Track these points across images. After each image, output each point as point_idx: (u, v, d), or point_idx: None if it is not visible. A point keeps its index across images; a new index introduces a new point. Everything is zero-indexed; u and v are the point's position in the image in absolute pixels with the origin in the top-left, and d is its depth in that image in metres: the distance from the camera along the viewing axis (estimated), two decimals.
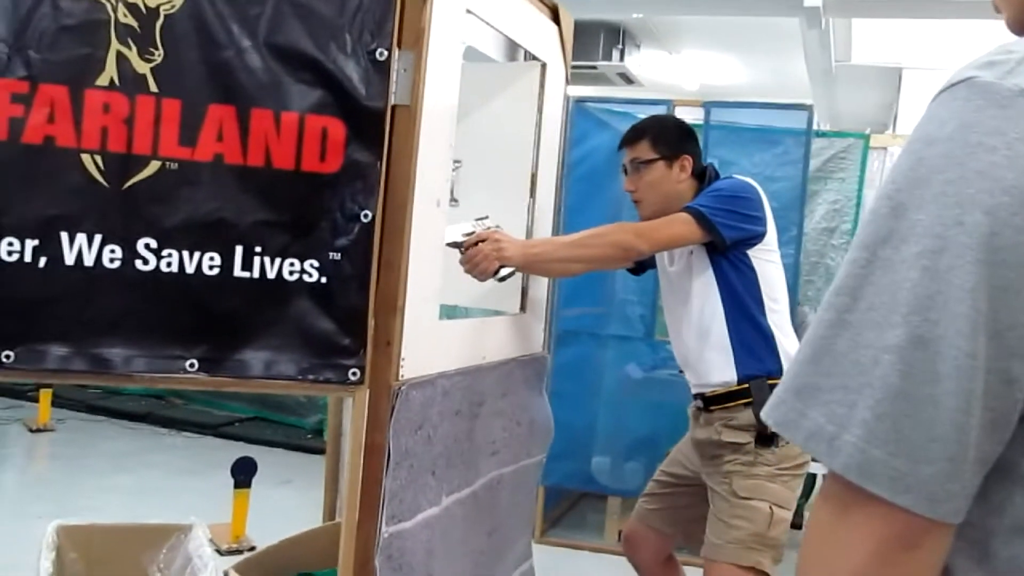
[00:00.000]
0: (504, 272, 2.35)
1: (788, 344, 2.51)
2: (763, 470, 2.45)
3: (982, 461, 0.69)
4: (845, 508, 0.71)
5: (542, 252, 2.42)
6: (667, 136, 2.65)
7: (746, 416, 2.45)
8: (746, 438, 2.46)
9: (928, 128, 0.71)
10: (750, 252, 2.51)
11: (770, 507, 2.43)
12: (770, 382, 2.45)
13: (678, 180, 2.62)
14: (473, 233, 2.33)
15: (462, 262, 2.32)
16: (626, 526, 2.88)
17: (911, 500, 0.68)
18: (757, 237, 2.51)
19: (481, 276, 2.33)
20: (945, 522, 0.69)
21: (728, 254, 2.50)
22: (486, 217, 2.40)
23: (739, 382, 2.48)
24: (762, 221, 2.52)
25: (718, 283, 2.52)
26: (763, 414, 0.77)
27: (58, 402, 6.24)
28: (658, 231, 2.47)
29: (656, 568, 2.80)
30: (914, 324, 0.67)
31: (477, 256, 2.30)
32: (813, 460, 4.52)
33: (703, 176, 2.64)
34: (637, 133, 2.66)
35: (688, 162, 2.63)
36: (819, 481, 5.05)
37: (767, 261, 2.54)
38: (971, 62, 0.71)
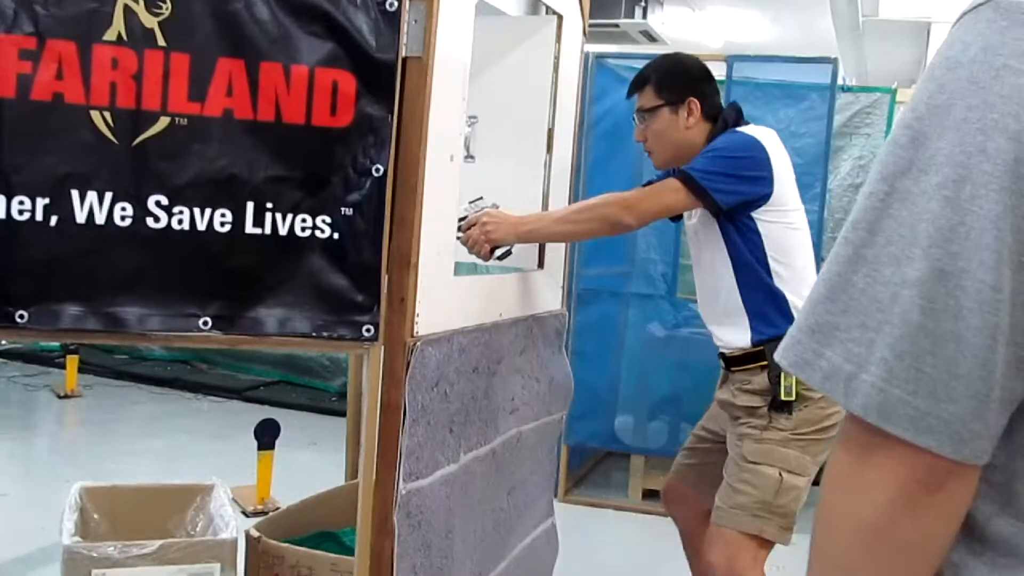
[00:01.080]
0: (500, 251, 2.37)
1: (797, 302, 2.38)
2: (776, 435, 2.35)
3: (1008, 400, 0.67)
4: (865, 451, 0.69)
5: (534, 229, 2.36)
6: (671, 79, 2.49)
7: (761, 380, 2.36)
8: (759, 402, 2.36)
9: (950, 52, 0.68)
10: (755, 214, 2.36)
11: (780, 473, 2.33)
12: None
13: (686, 126, 2.46)
14: (466, 218, 2.34)
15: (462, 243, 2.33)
16: (665, 480, 2.82)
17: (934, 440, 0.65)
18: (760, 199, 2.35)
19: (481, 258, 2.37)
20: (970, 463, 0.67)
21: (732, 217, 2.37)
22: (479, 199, 2.38)
23: (753, 345, 2.39)
24: (765, 181, 2.34)
25: (726, 244, 2.40)
26: (777, 355, 0.75)
27: (85, 368, 6.30)
28: (645, 202, 2.36)
29: (694, 524, 2.69)
30: (935, 257, 0.64)
31: (469, 241, 2.34)
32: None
33: (718, 118, 2.47)
34: (641, 79, 2.52)
35: (696, 105, 2.45)
36: None
37: (773, 223, 2.37)
38: None
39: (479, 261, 2.42)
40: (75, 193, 1.67)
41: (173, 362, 6.80)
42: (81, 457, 4.92)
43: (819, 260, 4.17)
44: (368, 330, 1.80)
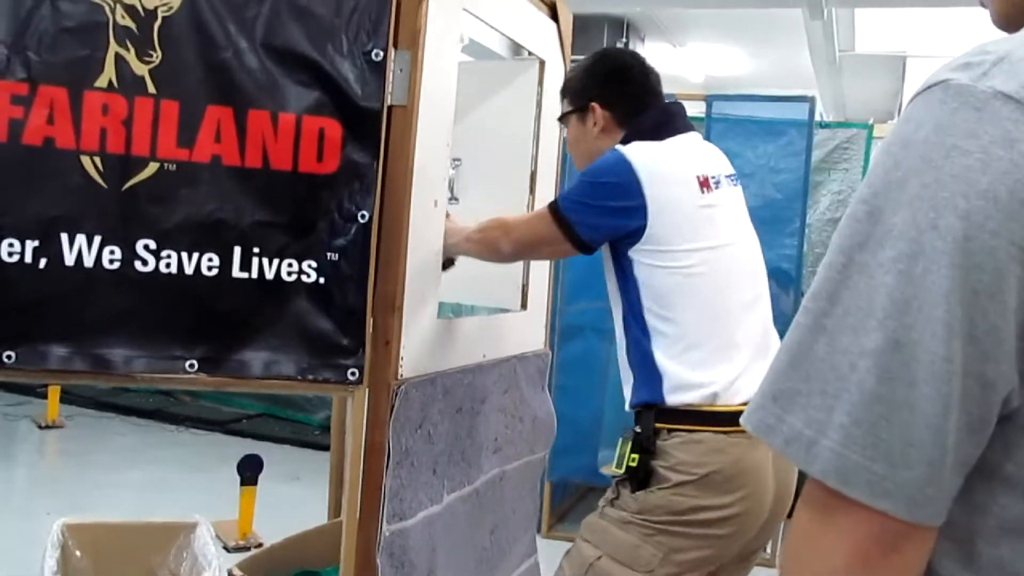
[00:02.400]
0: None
1: (674, 369, 1.96)
2: (616, 513, 1.99)
3: (962, 464, 0.69)
4: (825, 512, 0.71)
5: (449, 245, 2.09)
6: (573, 82, 2.21)
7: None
8: (614, 470, 2.01)
9: (905, 130, 0.71)
10: (631, 253, 1.98)
11: (599, 556, 1.98)
12: (660, 408, 1.96)
13: (594, 135, 2.13)
14: None
15: None
16: None
17: (890, 504, 0.68)
18: (631, 235, 1.96)
19: None
20: (926, 525, 0.70)
21: (616, 254, 2.03)
22: (454, 200, 2.32)
23: (631, 407, 2.05)
24: (634, 212, 1.94)
25: (613, 284, 2.08)
26: (742, 419, 0.77)
27: (67, 398, 6.27)
28: (519, 230, 2.07)
29: None
30: (890, 328, 0.67)
31: None
32: None
33: (635, 117, 2.10)
34: (562, 86, 2.28)
35: (598, 110, 2.12)
36: None
37: (652, 266, 1.96)
38: (947, 63, 0.71)
39: (463, 300, 2.43)
40: (64, 236, 1.69)
41: (155, 393, 6.78)
42: (62, 489, 4.90)
43: (798, 295, 4.23)
44: (353, 373, 1.82)
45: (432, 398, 1.98)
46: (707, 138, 4.13)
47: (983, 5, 0.87)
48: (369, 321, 1.84)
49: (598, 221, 1.97)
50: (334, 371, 1.82)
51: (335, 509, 2.90)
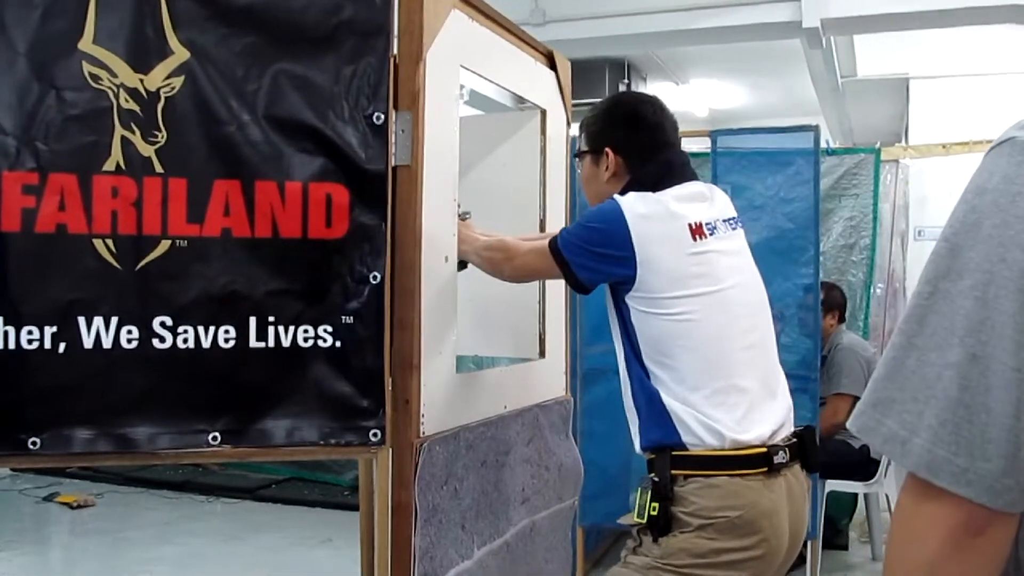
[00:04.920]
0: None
1: (679, 408, 1.99)
2: (639, 560, 2.01)
3: None
4: (919, 500, 0.84)
5: (462, 251, 2.11)
6: (591, 125, 2.24)
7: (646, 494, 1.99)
8: (635, 520, 2.01)
9: (979, 180, 0.86)
10: (628, 299, 2.03)
11: None
12: (675, 453, 1.98)
13: (605, 180, 2.18)
14: None
15: None
16: None
17: (973, 492, 0.80)
18: (624, 282, 2.01)
19: None
20: (1006, 512, 0.81)
21: (616, 298, 2.08)
22: (467, 213, 2.34)
23: (642, 450, 2.08)
24: (623, 262, 1.99)
25: (614, 326, 2.12)
26: (848, 424, 0.91)
27: (96, 476, 6.29)
28: (523, 258, 2.13)
29: None
30: (969, 344, 0.81)
31: None
32: (856, 477, 4.45)
33: (642, 167, 2.14)
34: (580, 124, 2.30)
35: (611, 156, 2.16)
36: (860, 500, 5.00)
37: (646, 313, 2.01)
38: (1016, 123, 0.87)
39: (481, 352, 2.42)
40: (82, 320, 1.71)
41: (184, 465, 6.79)
42: (96, 568, 4.90)
43: (817, 322, 4.21)
44: (375, 434, 1.82)
45: (456, 453, 1.98)
46: (714, 173, 4.15)
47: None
48: (388, 381, 1.85)
49: (591, 264, 2.02)
50: (356, 434, 1.82)
51: (368, 570, 2.88)
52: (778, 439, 2.04)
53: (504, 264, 2.15)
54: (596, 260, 2.02)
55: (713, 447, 1.96)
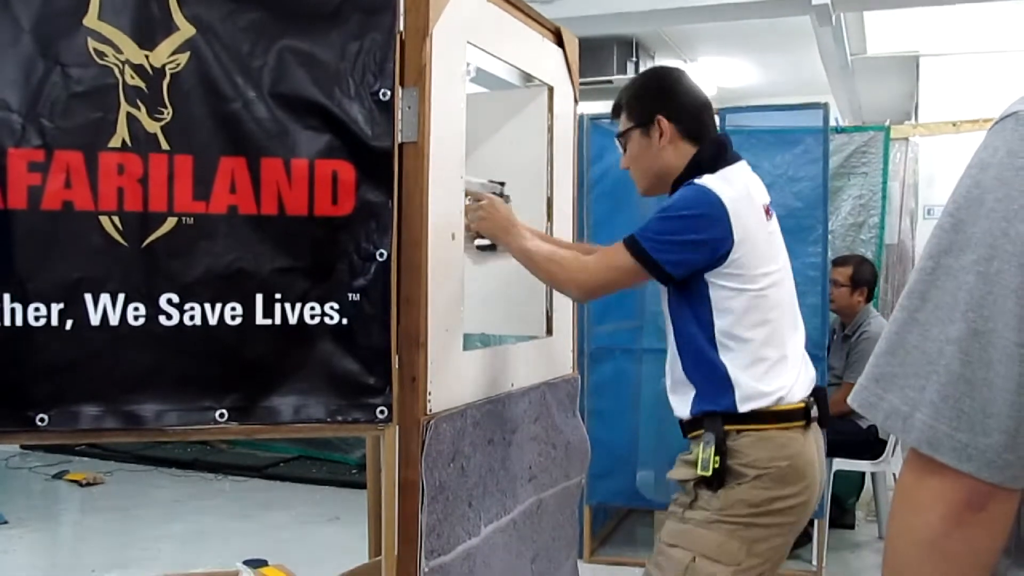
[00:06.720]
0: (480, 242, 2.31)
1: (746, 381, 2.06)
2: (699, 514, 2.05)
3: None
4: (921, 475, 0.84)
5: (507, 243, 2.16)
6: (636, 98, 2.23)
7: (697, 450, 2.07)
8: (689, 475, 2.07)
9: (983, 155, 0.85)
10: (707, 275, 2.06)
11: (693, 558, 2.02)
12: (727, 423, 2.06)
13: (659, 147, 2.17)
14: (476, 193, 2.22)
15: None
16: None
17: (973, 467, 0.80)
18: (715, 262, 2.04)
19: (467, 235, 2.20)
20: (1006, 487, 0.80)
21: (691, 277, 2.09)
22: (501, 184, 2.26)
23: (692, 416, 2.11)
24: (718, 242, 2.03)
25: (678, 303, 2.14)
26: (849, 399, 0.89)
27: (105, 454, 6.31)
28: (594, 277, 2.11)
29: None
30: (971, 320, 0.80)
31: (466, 211, 2.14)
32: (866, 458, 4.45)
33: (703, 138, 2.18)
34: (616, 103, 2.28)
35: (665, 123, 2.16)
36: (867, 480, 5.00)
37: (728, 287, 2.06)
38: (1020, 98, 0.85)
39: (488, 330, 2.42)
40: (88, 297, 1.71)
41: (193, 443, 6.81)
42: (105, 545, 4.92)
43: (825, 302, 4.19)
44: (382, 411, 1.83)
45: (463, 431, 1.98)
46: None
47: None
48: (395, 359, 1.85)
49: (685, 256, 2.04)
50: (363, 411, 1.82)
51: (375, 548, 2.89)
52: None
53: (569, 285, 2.14)
54: (690, 250, 2.04)
55: (764, 406, 2.07)
